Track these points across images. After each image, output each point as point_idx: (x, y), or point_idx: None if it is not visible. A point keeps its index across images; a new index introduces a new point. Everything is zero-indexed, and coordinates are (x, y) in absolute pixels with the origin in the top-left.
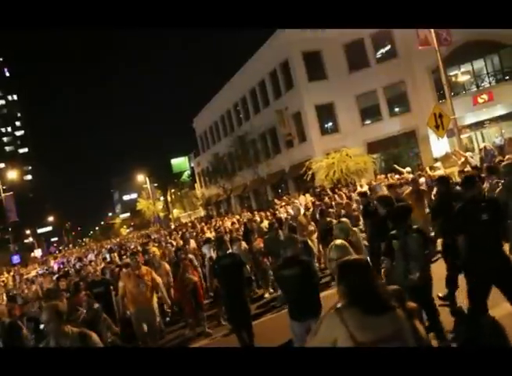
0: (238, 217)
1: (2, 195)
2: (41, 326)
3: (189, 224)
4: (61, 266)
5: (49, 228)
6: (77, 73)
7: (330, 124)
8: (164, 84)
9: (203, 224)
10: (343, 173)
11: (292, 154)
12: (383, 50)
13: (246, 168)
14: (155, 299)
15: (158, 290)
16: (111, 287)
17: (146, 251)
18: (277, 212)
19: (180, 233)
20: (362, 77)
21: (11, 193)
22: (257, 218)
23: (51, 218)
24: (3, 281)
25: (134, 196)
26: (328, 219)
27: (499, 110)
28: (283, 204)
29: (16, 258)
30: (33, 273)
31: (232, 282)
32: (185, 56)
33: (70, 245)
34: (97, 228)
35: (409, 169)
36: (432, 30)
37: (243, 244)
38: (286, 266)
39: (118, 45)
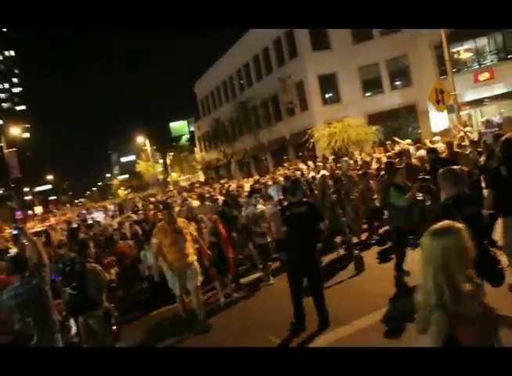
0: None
1: (5, 151)
2: (68, 268)
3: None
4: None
5: (48, 186)
6: (78, 29)
7: (332, 94)
8: (165, 47)
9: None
10: (344, 142)
11: (293, 122)
12: None
13: (247, 134)
14: (195, 256)
15: (198, 245)
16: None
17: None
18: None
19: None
20: (366, 49)
21: (14, 149)
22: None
23: (50, 177)
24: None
25: (132, 158)
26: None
27: (500, 89)
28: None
29: (19, 214)
30: (37, 228)
31: (304, 234)
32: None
33: (68, 205)
34: (94, 188)
35: (409, 141)
36: None
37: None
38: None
39: None
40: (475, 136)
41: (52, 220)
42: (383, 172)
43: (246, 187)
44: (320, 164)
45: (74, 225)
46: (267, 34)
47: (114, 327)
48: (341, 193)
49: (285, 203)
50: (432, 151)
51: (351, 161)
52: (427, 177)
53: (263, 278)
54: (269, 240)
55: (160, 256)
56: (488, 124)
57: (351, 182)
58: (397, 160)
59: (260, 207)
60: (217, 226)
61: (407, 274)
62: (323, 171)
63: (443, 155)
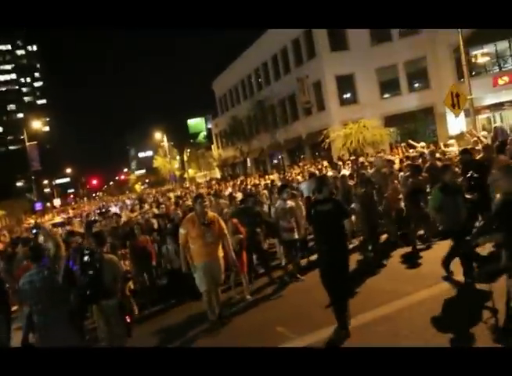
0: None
1: (27, 144)
2: (85, 258)
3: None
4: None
5: (67, 179)
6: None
7: (349, 95)
8: (185, 45)
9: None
10: (359, 144)
11: (310, 122)
12: None
13: (264, 133)
14: (221, 252)
15: (225, 241)
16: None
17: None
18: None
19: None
20: (384, 51)
21: (35, 142)
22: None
23: (68, 170)
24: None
25: (149, 153)
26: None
27: None
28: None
29: (38, 205)
30: (56, 220)
31: (329, 232)
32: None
33: (85, 198)
34: (111, 183)
35: (423, 144)
36: None
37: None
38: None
39: None
40: (489, 141)
41: (71, 212)
42: (405, 174)
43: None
44: (340, 163)
45: (92, 218)
46: (286, 34)
47: (127, 318)
48: (372, 195)
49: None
50: (465, 152)
51: (366, 162)
52: (476, 175)
53: (284, 277)
54: (297, 236)
55: (186, 249)
56: (496, 131)
57: (384, 180)
58: (419, 161)
59: (289, 202)
60: (237, 228)
61: (451, 274)
62: (344, 171)
63: (478, 157)
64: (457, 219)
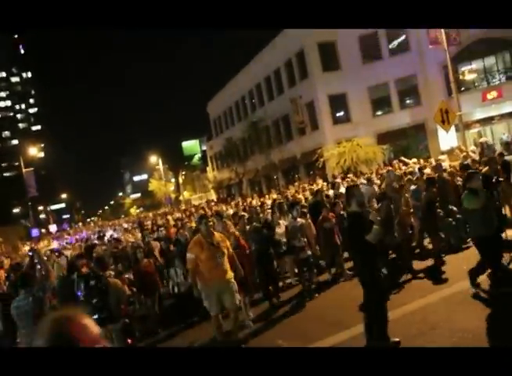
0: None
1: (24, 170)
2: (91, 282)
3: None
4: (76, 241)
5: (62, 205)
6: (91, 52)
7: (342, 113)
8: (178, 68)
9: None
10: (353, 162)
11: (304, 142)
12: (396, 42)
13: (259, 153)
14: (231, 273)
15: (231, 260)
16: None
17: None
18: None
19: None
20: (375, 69)
21: (31, 168)
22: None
23: (64, 195)
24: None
25: (144, 177)
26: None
27: (508, 107)
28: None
29: (35, 232)
30: (53, 246)
31: (352, 247)
32: (198, 43)
33: (80, 223)
34: (106, 207)
35: (415, 160)
36: (442, 30)
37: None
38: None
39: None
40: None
41: (66, 238)
42: (415, 188)
43: (268, 202)
44: (338, 180)
45: (90, 243)
46: (278, 55)
47: (129, 340)
48: (391, 209)
49: None
50: (467, 167)
51: (363, 179)
52: (501, 179)
53: (304, 294)
54: (309, 253)
55: (196, 272)
56: (482, 146)
57: (397, 193)
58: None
59: (300, 220)
60: (239, 242)
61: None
62: (342, 189)
63: (484, 170)
64: (486, 224)
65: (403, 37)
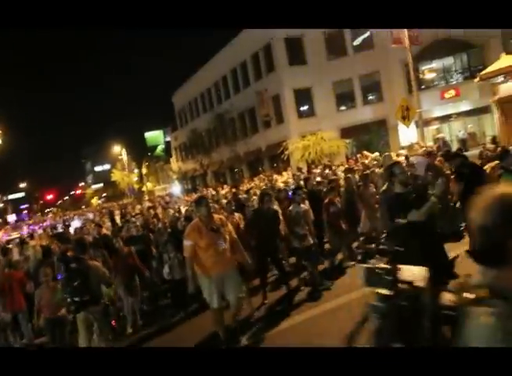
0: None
1: None
2: (72, 265)
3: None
4: (35, 231)
5: (21, 194)
6: (56, 35)
7: (307, 107)
8: (142, 56)
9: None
10: (317, 155)
11: (269, 134)
12: (360, 38)
13: (224, 145)
14: (235, 261)
15: (235, 246)
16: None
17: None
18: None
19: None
20: (340, 65)
21: None
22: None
23: (22, 185)
24: None
25: (107, 167)
26: None
27: (465, 106)
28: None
29: None
30: (14, 236)
31: None
32: (165, 33)
33: (38, 213)
34: (66, 197)
35: (377, 154)
36: (405, 30)
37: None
38: None
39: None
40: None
41: (25, 228)
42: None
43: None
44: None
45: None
46: (245, 48)
47: (113, 322)
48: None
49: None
50: (458, 156)
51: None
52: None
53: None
54: (311, 242)
55: (195, 261)
56: (439, 142)
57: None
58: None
59: (303, 206)
60: (238, 226)
61: None
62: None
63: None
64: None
65: (367, 34)
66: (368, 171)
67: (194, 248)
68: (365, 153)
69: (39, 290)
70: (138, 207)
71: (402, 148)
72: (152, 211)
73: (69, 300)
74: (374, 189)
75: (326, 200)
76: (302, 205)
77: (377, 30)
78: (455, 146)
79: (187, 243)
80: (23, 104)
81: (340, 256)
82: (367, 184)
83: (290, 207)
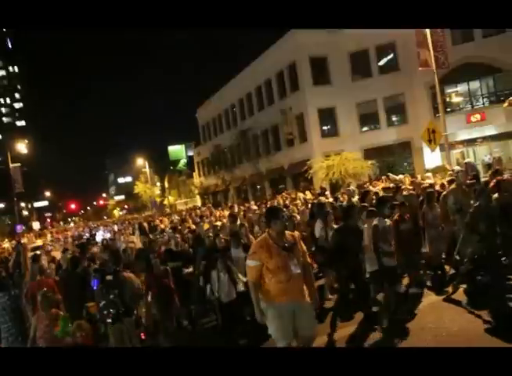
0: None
1: (11, 166)
2: (108, 277)
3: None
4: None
5: (45, 203)
6: (81, 49)
7: (330, 127)
8: (170, 71)
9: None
10: (341, 175)
11: (292, 153)
12: (385, 59)
13: (247, 162)
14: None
15: (307, 274)
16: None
17: None
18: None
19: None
20: (364, 86)
21: (18, 164)
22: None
23: (47, 193)
24: (3, 248)
25: (129, 179)
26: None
27: (490, 130)
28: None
29: (19, 228)
30: (37, 243)
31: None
32: (192, 50)
33: (61, 222)
34: (88, 208)
35: (401, 176)
36: (432, 54)
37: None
38: None
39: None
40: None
41: (49, 236)
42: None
43: None
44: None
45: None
46: (270, 66)
47: (142, 335)
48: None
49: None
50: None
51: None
52: None
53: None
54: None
55: (260, 287)
56: (467, 167)
57: (466, 197)
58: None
59: (387, 220)
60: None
61: None
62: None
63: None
64: None
65: (391, 56)
66: (433, 190)
67: (261, 270)
68: (391, 175)
69: (35, 318)
70: (164, 219)
71: (427, 171)
72: (187, 225)
73: (105, 312)
74: (439, 210)
75: (396, 217)
76: (387, 219)
77: (401, 50)
78: (482, 171)
79: (252, 263)
80: (51, 115)
81: (405, 281)
82: (432, 204)
83: (375, 222)
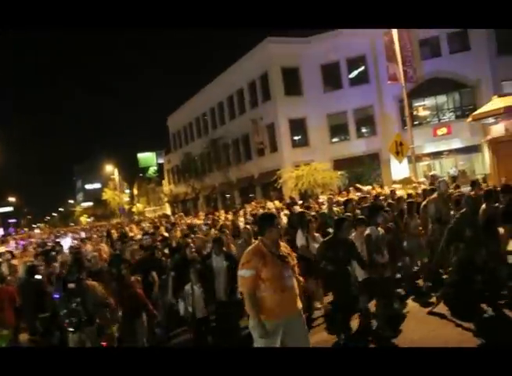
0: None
1: None
2: (70, 285)
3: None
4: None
5: (9, 208)
6: (53, 55)
7: (301, 138)
8: (140, 78)
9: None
10: (310, 185)
11: (262, 162)
12: (356, 71)
13: (217, 171)
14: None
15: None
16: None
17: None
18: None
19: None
20: (335, 98)
21: None
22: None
23: (12, 199)
24: None
25: (97, 185)
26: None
27: (456, 144)
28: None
29: None
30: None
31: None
32: (164, 57)
33: (25, 229)
34: (54, 214)
35: (369, 187)
36: (400, 68)
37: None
38: None
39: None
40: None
41: (12, 243)
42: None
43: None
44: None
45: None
46: (242, 76)
47: (104, 344)
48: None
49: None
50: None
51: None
52: None
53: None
54: (389, 274)
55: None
56: (432, 179)
57: (446, 207)
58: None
59: (380, 229)
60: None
61: None
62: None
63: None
64: None
65: (362, 68)
66: (414, 201)
67: (256, 281)
68: (358, 185)
69: None
70: (133, 227)
71: (395, 182)
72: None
73: (67, 321)
74: (419, 221)
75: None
76: (380, 228)
77: (371, 63)
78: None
79: (247, 273)
80: (16, 120)
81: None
82: (412, 214)
83: (368, 231)
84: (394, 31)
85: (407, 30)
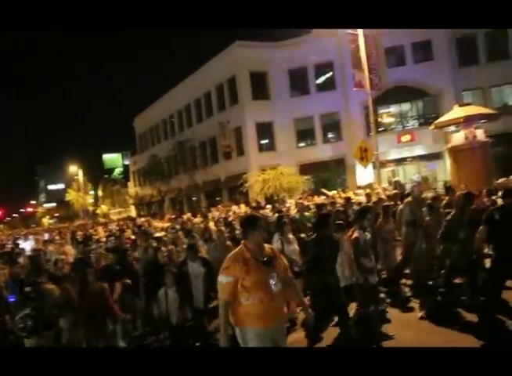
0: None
1: None
2: (26, 289)
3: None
4: None
5: None
6: (17, 52)
7: (268, 142)
8: (107, 80)
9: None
10: (276, 189)
11: (229, 166)
12: (323, 77)
13: (183, 173)
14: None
15: (291, 288)
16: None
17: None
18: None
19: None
20: (302, 103)
21: None
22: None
23: None
24: None
25: (61, 186)
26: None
27: (419, 150)
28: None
29: None
30: None
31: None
32: (130, 57)
33: None
34: (15, 215)
35: (334, 192)
36: (366, 75)
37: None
38: None
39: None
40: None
41: None
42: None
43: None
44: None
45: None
46: (210, 79)
47: None
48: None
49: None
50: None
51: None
52: None
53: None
54: (377, 280)
55: (232, 307)
56: (395, 185)
57: (420, 211)
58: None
59: (367, 233)
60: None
61: None
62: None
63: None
64: None
65: (329, 75)
66: (389, 203)
67: (235, 288)
68: (324, 190)
69: None
70: (99, 228)
71: (359, 187)
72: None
73: (21, 325)
74: (393, 224)
75: (378, 224)
76: (367, 232)
77: (338, 69)
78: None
79: (225, 279)
80: None
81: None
82: (388, 218)
83: (356, 234)
84: (361, 39)
85: (373, 37)
